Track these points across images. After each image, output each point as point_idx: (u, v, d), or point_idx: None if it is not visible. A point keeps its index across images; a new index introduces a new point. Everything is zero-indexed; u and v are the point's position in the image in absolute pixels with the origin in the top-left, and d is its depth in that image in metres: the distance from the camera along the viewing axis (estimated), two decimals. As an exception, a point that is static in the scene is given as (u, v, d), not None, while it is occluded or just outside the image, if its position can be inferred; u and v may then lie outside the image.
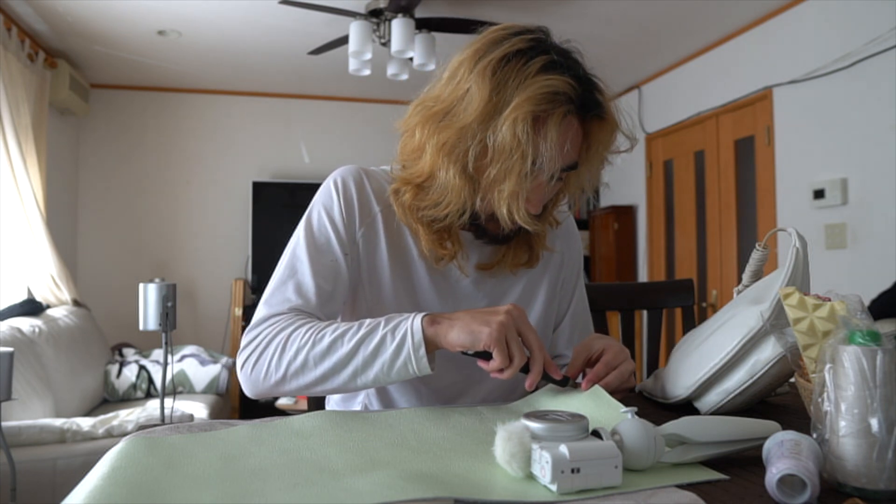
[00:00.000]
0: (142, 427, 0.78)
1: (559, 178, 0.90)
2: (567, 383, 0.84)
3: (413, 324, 0.80)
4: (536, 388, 0.83)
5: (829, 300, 0.73)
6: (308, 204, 1.01)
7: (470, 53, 0.89)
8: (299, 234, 0.96)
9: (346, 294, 0.96)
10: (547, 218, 0.99)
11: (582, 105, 0.86)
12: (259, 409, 3.61)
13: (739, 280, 1.04)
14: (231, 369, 3.58)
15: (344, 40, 3.13)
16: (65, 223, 4.15)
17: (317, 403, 1.13)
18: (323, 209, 0.96)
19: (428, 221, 0.93)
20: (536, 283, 1.07)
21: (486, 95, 0.84)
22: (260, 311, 0.91)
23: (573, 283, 1.13)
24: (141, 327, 2.45)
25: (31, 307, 3.15)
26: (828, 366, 0.60)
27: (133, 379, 3.42)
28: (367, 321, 0.84)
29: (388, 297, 0.97)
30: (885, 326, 0.61)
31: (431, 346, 0.80)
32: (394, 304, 0.97)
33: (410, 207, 0.94)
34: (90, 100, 4.28)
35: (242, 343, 0.89)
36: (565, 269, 1.11)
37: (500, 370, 0.78)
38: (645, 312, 1.48)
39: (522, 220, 0.87)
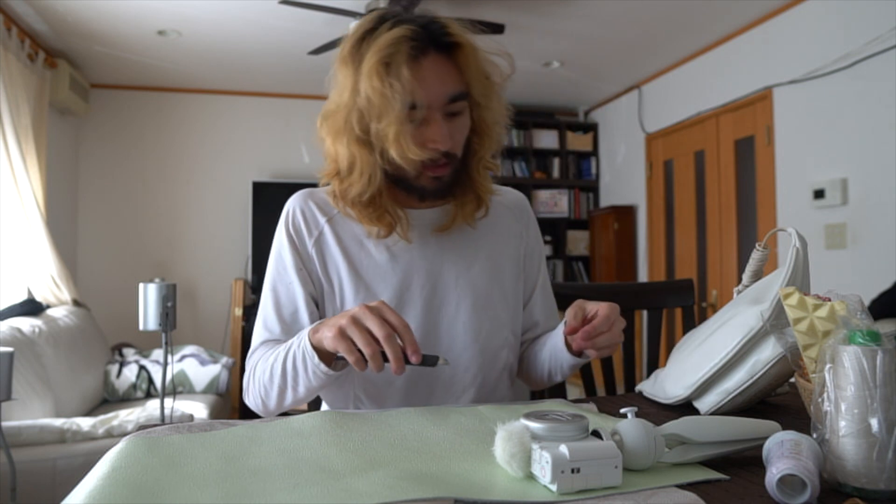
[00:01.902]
0: (142, 427, 0.78)
1: (453, 113, 0.97)
2: (436, 362, 0.83)
3: (303, 340, 0.89)
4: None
5: (829, 300, 0.73)
6: None
7: (338, 55, 1.00)
8: (266, 273, 1.09)
9: (314, 302, 1.06)
10: (458, 150, 1.03)
11: (432, 41, 0.95)
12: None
13: (739, 280, 1.04)
14: (231, 369, 3.59)
15: (344, 40, 3.13)
16: (65, 223, 4.15)
17: (316, 404, 1.13)
18: (277, 239, 1.08)
19: (358, 203, 1.01)
20: (501, 248, 1.12)
21: (348, 74, 0.96)
22: (252, 345, 1.06)
23: (538, 257, 1.19)
24: (141, 327, 2.44)
25: (31, 307, 3.15)
26: (828, 366, 0.60)
27: (133, 379, 3.42)
28: (289, 342, 0.93)
29: (351, 291, 1.04)
30: (885, 326, 0.60)
31: (323, 352, 0.87)
32: (351, 296, 1.04)
33: (342, 196, 1.03)
34: (90, 100, 4.28)
35: (245, 371, 1.04)
36: (527, 243, 1.17)
37: (366, 365, 0.81)
38: (645, 312, 1.48)
39: (413, 154, 0.94)
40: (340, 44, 0.99)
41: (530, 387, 1.21)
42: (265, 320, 1.04)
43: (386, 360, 0.79)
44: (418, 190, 1.01)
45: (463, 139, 1.01)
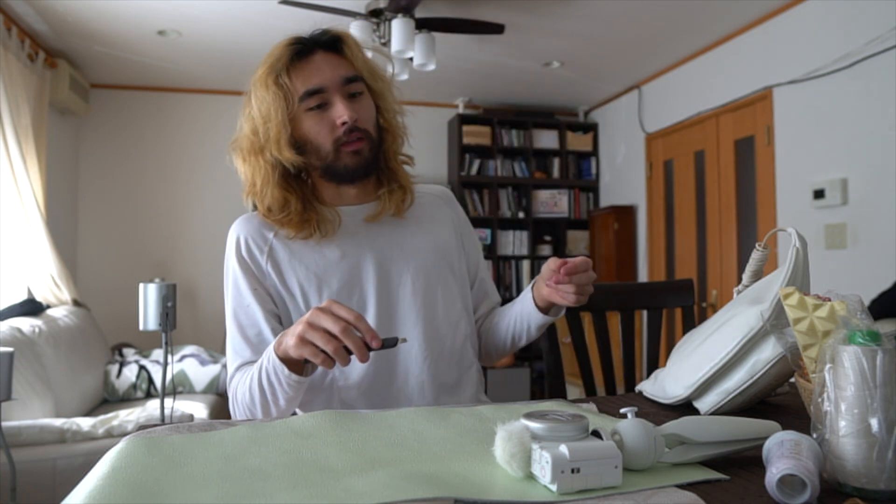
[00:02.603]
0: (142, 427, 0.78)
1: (353, 94, 1.07)
2: (396, 343, 0.86)
3: (270, 355, 0.93)
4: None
5: (829, 300, 0.73)
6: None
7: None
8: (225, 300, 1.13)
9: (275, 318, 1.10)
10: (368, 125, 1.10)
11: (315, 43, 1.07)
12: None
13: (739, 280, 1.04)
14: (231, 369, 3.58)
15: (344, 40, 3.13)
16: (65, 223, 4.15)
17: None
18: (230, 269, 1.12)
19: (276, 211, 1.09)
20: (439, 233, 1.20)
21: (247, 101, 1.09)
22: (229, 371, 1.09)
23: (474, 240, 1.28)
24: (141, 327, 2.44)
25: (31, 307, 3.15)
26: (828, 366, 0.60)
27: (133, 379, 3.42)
28: (259, 361, 0.97)
29: (314, 292, 1.09)
30: (885, 326, 0.60)
31: (291, 362, 0.91)
32: (315, 299, 1.08)
33: (266, 211, 1.10)
34: (90, 100, 4.28)
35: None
36: (460, 227, 1.25)
37: (333, 363, 0.84)
38: (645, 312, 1.48)
39: (288, 156, 1.05)
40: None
41: (489, 362, 1.28)
42: (234, 347, 1.08)
43: (349, 352, 0.82)
44: (342, 171, 1.09)
45: (370, 118, 1.09)
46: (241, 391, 1.01)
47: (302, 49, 1.06)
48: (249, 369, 1.01)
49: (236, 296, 1.10)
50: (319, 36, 1.08)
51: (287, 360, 0.91)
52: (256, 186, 1.10)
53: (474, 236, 1.30)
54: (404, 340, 0.87)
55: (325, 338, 0.82)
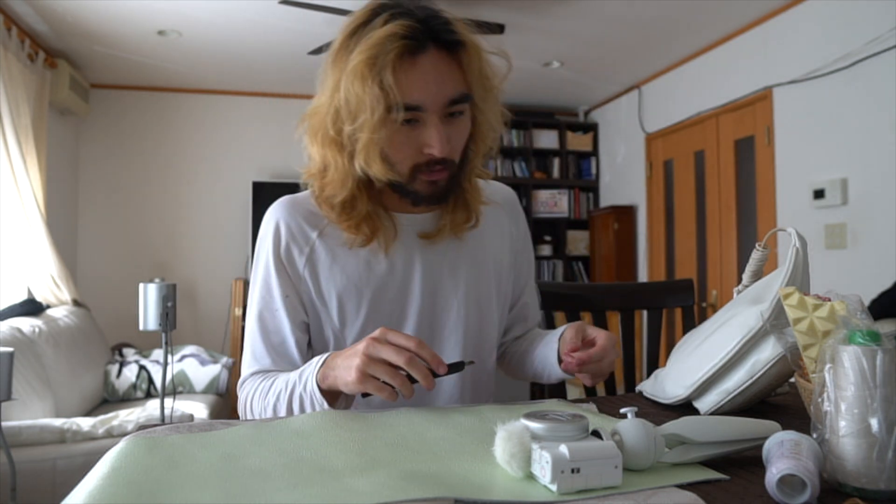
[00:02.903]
0: (142, 427, 0.78)
1: (453, 115, 0.91)
2: (463, 367, 0.83)
3: (310, 387, 0.85)
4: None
5: (829, 300, 0.73)
6: None
7: (329, 52, 0.93)
8: (251, 293, 1.04)
9: (304, 326, 1.01)
10: (471, 172, 1.01)
11: (432, 36, 0.87)
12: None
13: (739, 280, 1.04)
14: (231, 369, 3.59)
15: (344, 40, 3.13)
16: (65, 223, 4.15)
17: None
18: (263, 260, 1.01)
19: (336, 203, 0.97)
20: (494, 253, 1.09)
21: (335, 70, 0.90)
22: (241, 373, 1.02)
23: (528, 257, 1.17)
24: (141, 327, 2.44)
25: (31, 307, 3.14)
26: (828, 366, 0.60)
27: (133, 379, 3.42)
28: (288, 385, 0.89)
29: (352, 307, 1.00)
30: (885, 326, 0.60)
31: (329, 394, 0.85)
32: (353, 311, 1.00)
33: (325, 201, 0.99)
34: (90, 100, 4.28)
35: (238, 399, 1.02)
36: (516, 242, 1.14)
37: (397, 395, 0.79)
38: (645, 312, 1.48)
39: (377, 171, 0.90)
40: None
41: (511, 377, 1.21)
42: (253, 350, 1.00)
43: (413, 380, 0.78)
44: (412, 194, 0.96)
45: (462, 144, 0.95)
46: (257, 405, 0.94)
47: (414, 44, 0.86)
48: (266, 380, 0.95)
49: (266, 296, 1.01)
50: (440, 30, 0.88)
51: (327, 393, 0.84)
52: (325, 177, 0.97)
53: (529, 253, 1.18)
54: (471, 363, 0.83)
55: (390, 371, 0.77)
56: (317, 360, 0.86)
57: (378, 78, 0.84)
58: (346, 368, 0.79)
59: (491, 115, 0.97)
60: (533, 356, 1.08)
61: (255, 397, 0.95)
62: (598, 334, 0.91)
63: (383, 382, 0.77)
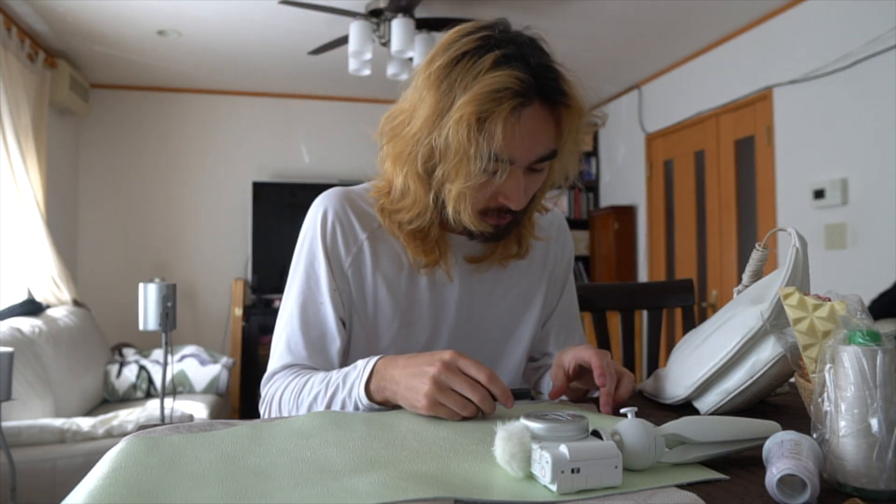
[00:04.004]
0: (142, 427, 0.78)
1: (535, 169, 0.90)
2: (527, 396, 0.83)
3: (358, 398, 0.83)
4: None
5: (829, 300, 0.73)
6: (308, 205, 1.03)
7: (427, 61, 0.89)
8: (291, 280, 0.99)
9: (342, 325, 0.99)
10: (533, 210, 1.01)
11: (541, 94, 0.86)
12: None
13: (739, 280, 1.04)
14: (231, 369, 3.59)
15: (344, 40, 3.13)
16: (65, 223, 4.15)
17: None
18: (309, 247, 0.99)
19: (407, 229, 0.95)
20: (531, 282, 1.09)
21: (433, 101, 0.85)
22: (269, 365, 0.98)
23: (563, 281, 1.15)
24: (141, 327, 2.45)
25: (31, 307, 3.15)
26: (828, 366, 0.60)
27: (133, 379, 3.42)
28: (328, 388, 0.86)
29: (386, 319, 0.99)
30: (885, 326, 0.60)
31: (379, 403, 0.83)
32: (386, 322, 0.99)
33: (391, 217, 0.96)
34: (90, 100, 4.28)
35: (261, 395, 0.98)
36: (557, 268, 1.13)
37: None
38: (645, 312, 1.48)
39: (468, 221, 0.90)
40: (432, 52, 0.90)
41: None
42: (289, 340, 0.96)
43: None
44: (470, 231, 0.95)
45: (533, 194, 0.95)
46: (287, 403, 0.90)
47: (523, 102, 0.84)
48: (300, 377, 0.91)
49: (311, 286, 0.97)
50: (550, 88, 0.87)
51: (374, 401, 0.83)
52: (400, 202, 0.94)
53: (571, 285, 1.16)
54: (538, 393, 0.82)
55: (462, 403, 0.75)
56: (363, 365, 0.84)
57: (487, 134, 0.82)
58: (413, 391, 0.77)
59: (570, 165, 0.96)
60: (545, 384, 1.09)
61: (286, 394, 0.91)
62: (593, 354, 0.86)
63: (455, 412, 0.76)
